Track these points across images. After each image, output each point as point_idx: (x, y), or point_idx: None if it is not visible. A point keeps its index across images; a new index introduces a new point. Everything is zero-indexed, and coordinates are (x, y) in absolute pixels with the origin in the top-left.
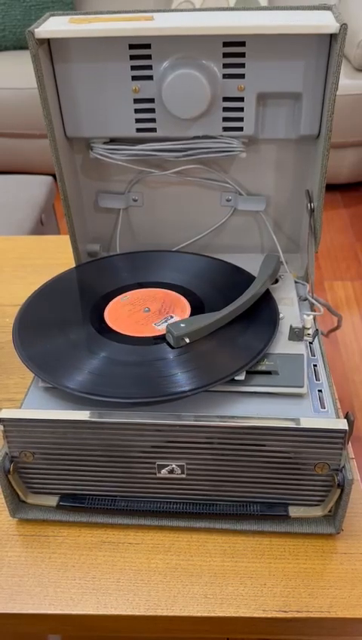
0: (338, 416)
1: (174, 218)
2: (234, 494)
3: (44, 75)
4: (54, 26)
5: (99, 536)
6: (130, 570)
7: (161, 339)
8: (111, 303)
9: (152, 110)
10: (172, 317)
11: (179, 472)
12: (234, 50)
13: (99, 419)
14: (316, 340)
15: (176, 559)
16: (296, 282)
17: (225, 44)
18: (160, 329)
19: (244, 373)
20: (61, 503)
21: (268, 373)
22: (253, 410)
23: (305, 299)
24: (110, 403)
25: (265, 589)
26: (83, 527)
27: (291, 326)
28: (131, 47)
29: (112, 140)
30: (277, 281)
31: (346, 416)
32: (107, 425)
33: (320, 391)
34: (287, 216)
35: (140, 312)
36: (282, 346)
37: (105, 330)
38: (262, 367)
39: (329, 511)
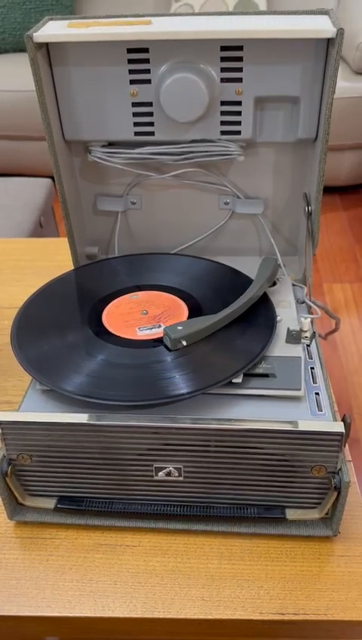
0: (335, 419)
1: (172, 221)
2: (231, 497)
3: (43, 79)
4: (53, 30)
5: (96, 538)
6: (128, 573)
7: (159, 342)
8: (109, 306)
9: (150, 114)
10: (160, 326)
11: (177, 474)
12: (231, 54)
13: (97, 421)
14: (313, 342)
15: (174, 562)
16: (293, 285)
17: (223, 49)
18: (141, 335)
19: (242, 375)
20: (58, 506)
21: (266, 375)
22: (250, 412)
23: (303, 301)
24: (108, 406)
25: (262, 591)
26: (80, 529)
27: (288, 329)
28: (129, 51)
29: (111, 144)
30: (274, 283)
31: (343, 419)
32: (104, 427)
33: (317, 394)
34: (285, 219)
35: (138, 315)
36: (279, 348)
37: (102, 333)
38: (259, 370)
39: (326, 513)
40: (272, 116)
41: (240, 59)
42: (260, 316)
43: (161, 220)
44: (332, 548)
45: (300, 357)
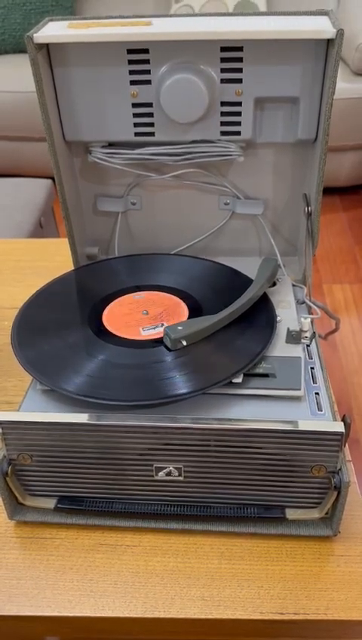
0: (335, 419)
1: (172, 221)
2: (232, 497)
3: (43, 80)
4: (53, 31)
5: (96, 538)
6: (128, 573)
7: (159, 342)
8: (109, 306)
9: (150, 114)
10: (163, 325)
11: (177, 474)
12: (231, 55)
13: (97, 421)
14: (313, 342)
15: (174, 561)
16: (293, 285)
17: (223, 49)
18: (145, 334)
19: (242, 375)
20: (59, 506)
21: (266, 375)
22: (250, 412)
23: (303, 302)
24: (108, 406)
25: (262, 591)
26: (80, 529)
27: (288, 329)
28: (129, 51)
29: (111, 144)
30: (274, 284)
31: (343, 419)
32: (105, 427)
33: (317, 394)
34: (285, 219)
35: (139, 315)
36: (279, 348)
37: (103, 333)
38: (259, 370)
39: (326, 513)
40: (272, 117)
41: (240, 59)
42: (260, 316)
43: (161, 220)
44: (332, 548)
45: (300, 357)
